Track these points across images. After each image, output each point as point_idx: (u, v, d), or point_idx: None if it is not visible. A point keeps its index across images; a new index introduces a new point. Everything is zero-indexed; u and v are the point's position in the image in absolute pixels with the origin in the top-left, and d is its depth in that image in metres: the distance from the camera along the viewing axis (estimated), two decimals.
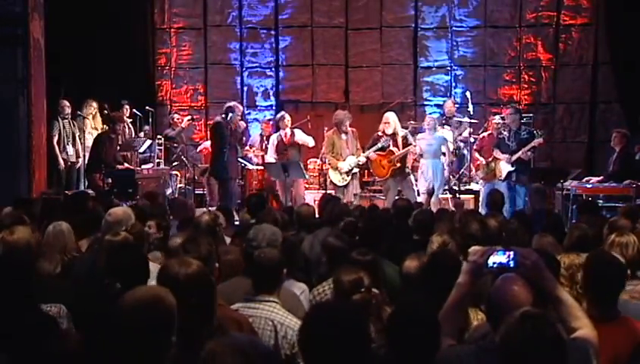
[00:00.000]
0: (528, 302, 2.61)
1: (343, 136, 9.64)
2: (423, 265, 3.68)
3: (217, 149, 9.58)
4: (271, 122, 11.59)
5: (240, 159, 10.21)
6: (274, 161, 10.03)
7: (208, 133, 10.79)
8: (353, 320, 2.35)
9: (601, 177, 9.36)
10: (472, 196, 10.53)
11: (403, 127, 9.93)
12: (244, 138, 10.91)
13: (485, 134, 10.48)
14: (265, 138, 11.27)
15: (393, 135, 9.55)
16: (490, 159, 9.81)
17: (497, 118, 10.37)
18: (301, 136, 10.28)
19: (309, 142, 10.28)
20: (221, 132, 9.53)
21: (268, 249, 3.60)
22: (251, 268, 3.56)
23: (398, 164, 9.51)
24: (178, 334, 2.46)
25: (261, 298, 3.43)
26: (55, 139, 9.93)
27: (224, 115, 9.67)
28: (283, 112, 10.68)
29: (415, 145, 9.56)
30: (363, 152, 9.66)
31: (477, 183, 10.57)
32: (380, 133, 9.61)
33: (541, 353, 2.25)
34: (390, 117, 9.69)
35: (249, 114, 12.86)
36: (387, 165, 9.54)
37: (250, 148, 11.00)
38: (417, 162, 9.99)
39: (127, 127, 10.80)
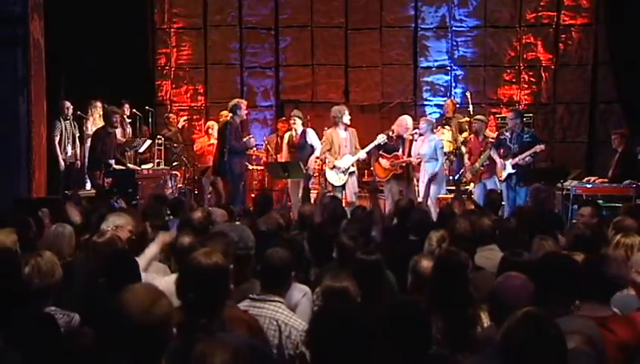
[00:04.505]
0: (529, 298, 2.62)
1: (342, 133, 9.48)
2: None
3: (220, 148, 9.36)
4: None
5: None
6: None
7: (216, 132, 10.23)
8: (361, 321, 2.35)
9: (606, 180, 9.27)
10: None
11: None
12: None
13: (471, 136, 10.37)
14: (279, 138, 11.14)
15: (403, 139, 9.49)
16: (472, 162, 9.75)
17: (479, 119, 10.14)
18: (313, 138, 10.02)
19: (316, 149, 9.89)
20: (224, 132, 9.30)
21: (279, 248, 3.59)
22: (260, 267, 3.57)
23: (400, 171, 9.45)
24: (185, 328, 2.48)
25: (266, 297, 3.43)
26: (57, 139, 9.93)
27: (231, 114, 9.41)
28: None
29: (417, 158, 9.43)
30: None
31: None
32: (390, 133, 9.52)
33: (542, 352, 2.26)
34: (409, 121, 9.62)
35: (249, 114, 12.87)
36: (389, 168, 9.49)
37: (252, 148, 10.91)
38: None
39: (126, 125, 10.78)
